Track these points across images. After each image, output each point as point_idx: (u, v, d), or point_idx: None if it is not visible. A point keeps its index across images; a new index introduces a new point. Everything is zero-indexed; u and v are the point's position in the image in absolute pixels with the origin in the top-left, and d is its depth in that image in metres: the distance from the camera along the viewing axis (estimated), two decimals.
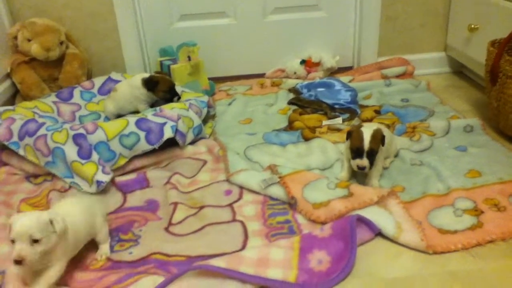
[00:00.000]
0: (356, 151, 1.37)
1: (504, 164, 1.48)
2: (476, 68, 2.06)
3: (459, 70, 2.34)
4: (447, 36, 2.29)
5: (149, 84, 1.81)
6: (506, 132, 1.65)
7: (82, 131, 1.51)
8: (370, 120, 1.81)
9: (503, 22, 1.79)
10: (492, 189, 1.35)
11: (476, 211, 1.26)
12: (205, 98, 1.86)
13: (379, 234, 1.21)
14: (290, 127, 1.82)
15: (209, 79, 2.17)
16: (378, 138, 1.37)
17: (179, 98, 1.82)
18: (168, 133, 1.57)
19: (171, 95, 1.82)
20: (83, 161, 1.48)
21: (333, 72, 2.33)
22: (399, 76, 2.22)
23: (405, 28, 2.28)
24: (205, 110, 1.82)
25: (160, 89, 1.81)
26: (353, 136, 1.39)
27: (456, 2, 2.18)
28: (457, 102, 1.99)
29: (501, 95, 1.60)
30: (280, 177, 1.40)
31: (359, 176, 1.47)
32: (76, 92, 1.95)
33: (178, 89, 1.89)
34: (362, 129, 1.38)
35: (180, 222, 1.30)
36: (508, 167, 1.46)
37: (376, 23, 2.26)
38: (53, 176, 1.54)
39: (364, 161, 1.36)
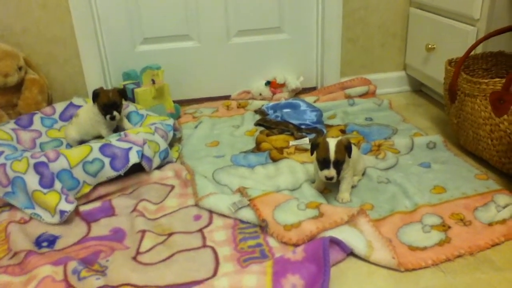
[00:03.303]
0: (323, 162, 1.38)
1: (467, 179, 1.52)
2: (435, 86, 2.13)
3: (419, 89, 2.42)
4: (406, 56, 2.36)
5: (93, 96, 1.76)
6: (466, 147, 1.71)
7: (43, 159, 1.45)
8: None
9: (458, 41, 1.86)
10: (457, 204, 1.38)
11: (444, 227, 1.29)
12: (171, 121, 1.83)
13: (351, 253, 1.21)
14: (257, 148, 1.81)
15: (174, 102, 2.15)
16: (343, 148, 1.38)
17: (111, 118, 1.75)
18: (133, 158, 1.53)
19: (105, 112, 1.75)
20: (45, 190, 1.42)
21: (298, 92, 2.35)
22: (362, 95, 2.27)
23: (365, 49, 2.35)
24: (171, 134, 1.79)
25: (99, 102, 1.75)
26: (320, 147, 1.40)
27: (413, 23, 2.26)
28: (418, 120, 2.05)
29: (460, 112, 1.65)
30: (250, 200, 1.39)
31: (333, 187, 1.48)
32: (36, 119, 1.89)
33: (146, 113, 1.86)
34: (327, 139, 1.39)
35: (148, 251, 1.25)
36: (470, 182, 1.50)
37: (338, 44, 2.30)
38: (11, 206, 1.47)
39: (331, 171, 1.37)
